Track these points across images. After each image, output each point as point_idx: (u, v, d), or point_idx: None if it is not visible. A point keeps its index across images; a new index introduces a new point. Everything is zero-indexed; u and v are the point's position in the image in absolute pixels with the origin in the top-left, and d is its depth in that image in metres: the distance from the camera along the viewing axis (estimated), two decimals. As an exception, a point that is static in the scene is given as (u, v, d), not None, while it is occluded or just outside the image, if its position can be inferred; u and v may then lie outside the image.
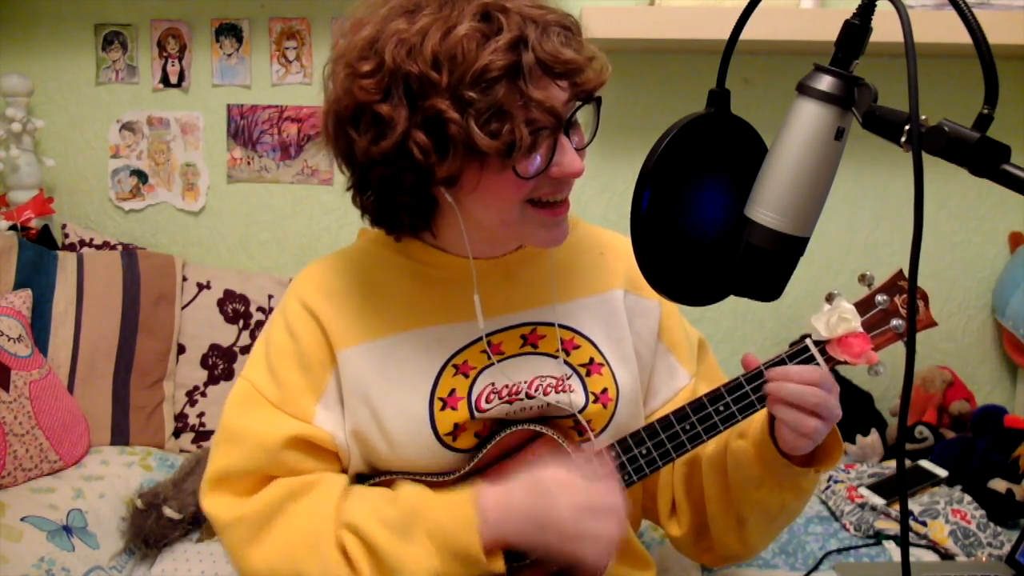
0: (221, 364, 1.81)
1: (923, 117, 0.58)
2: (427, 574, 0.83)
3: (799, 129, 0.66)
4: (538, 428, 0.93)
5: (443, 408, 0.92)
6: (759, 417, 0.93)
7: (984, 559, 1.38)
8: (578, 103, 0.83)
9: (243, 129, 1.94)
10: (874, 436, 1.77)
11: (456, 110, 0.77)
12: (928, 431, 1.77)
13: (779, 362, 0.91)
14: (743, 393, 0.89)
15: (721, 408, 0.90)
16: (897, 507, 1.50)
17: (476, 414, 0.92)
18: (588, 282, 1.01)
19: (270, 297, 1.85)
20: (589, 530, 0.81)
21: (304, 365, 0.93)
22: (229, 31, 1.91)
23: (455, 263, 0.95)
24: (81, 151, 1.97)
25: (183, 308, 1.82)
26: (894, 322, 0.91)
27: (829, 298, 0.91)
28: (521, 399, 0.94)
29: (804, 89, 0.66)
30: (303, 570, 0.85)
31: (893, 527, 1.46)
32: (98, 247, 1.87)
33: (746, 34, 0.70)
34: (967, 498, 1.50)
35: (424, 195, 0.88)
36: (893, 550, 1.42)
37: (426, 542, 0.83)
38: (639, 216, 0.73)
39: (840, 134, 0.66)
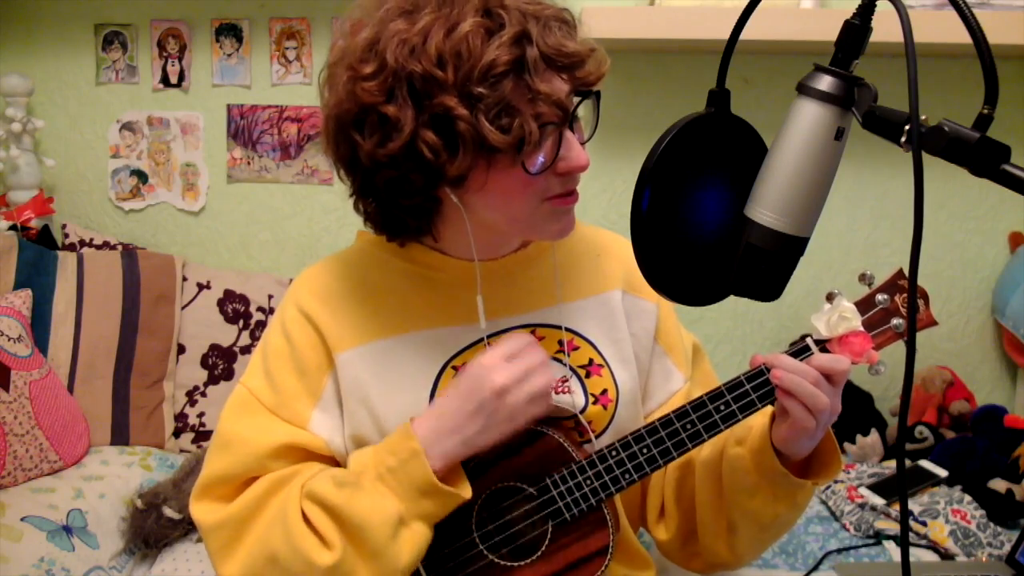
0: (221, 364, 1.81)
1: (923, 117, 0.58)
2: (390, 518, 0.82)
3: (799, 129, 0.66)
4: (538, 427, 0.93)
5: None
6: (759, 425, 0.92)
7: (984, 559, 1.38)
8: (579, 98, 0.84)
9: (243, 129, 1.94)
10: (874, 436, 1.77)
11: (465, 107, 0.77)
12: (928, 431, 1.77)
13: None
14: (744, 392, 0.89)
15: (722, 407, 0.89)
16: (897, 507, 1.50)
17: None
18: (587, 283, 1.01)
19: (270, 297, 1.85)
20: (523, 397, 0.83)
21: (301, 369, 0.93)
22: (229, 31, 1.91)
23: (455, 265, 0.95)
24: (81, 151, 1.97)
25: (183, 308, 1.82)
26: (894, 321, 0.91)
27: (829, 297, 0.91)
28: None
29: (804, 89, 0.66)
30: (275, 551, 0.85)
31: (893, 527, 1.46)
32: (98, 247, 1.87)
33: (746, 34, 0.70)
34: (967, 498, 1.51)
35: (430, 197, 0.87)
36: (893, 550, 1.42)
37: (378, 486, 0.83)
38: (639, 216, 0.73)
39: (840, 134, 0.66)
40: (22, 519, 1.32)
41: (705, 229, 0.75)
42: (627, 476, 0.91)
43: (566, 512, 0.91)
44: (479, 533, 0.91)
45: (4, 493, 1.41)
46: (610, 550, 0.91)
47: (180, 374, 1.80)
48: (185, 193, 1.97)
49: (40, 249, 1.74)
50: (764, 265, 0.70)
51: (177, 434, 1.76)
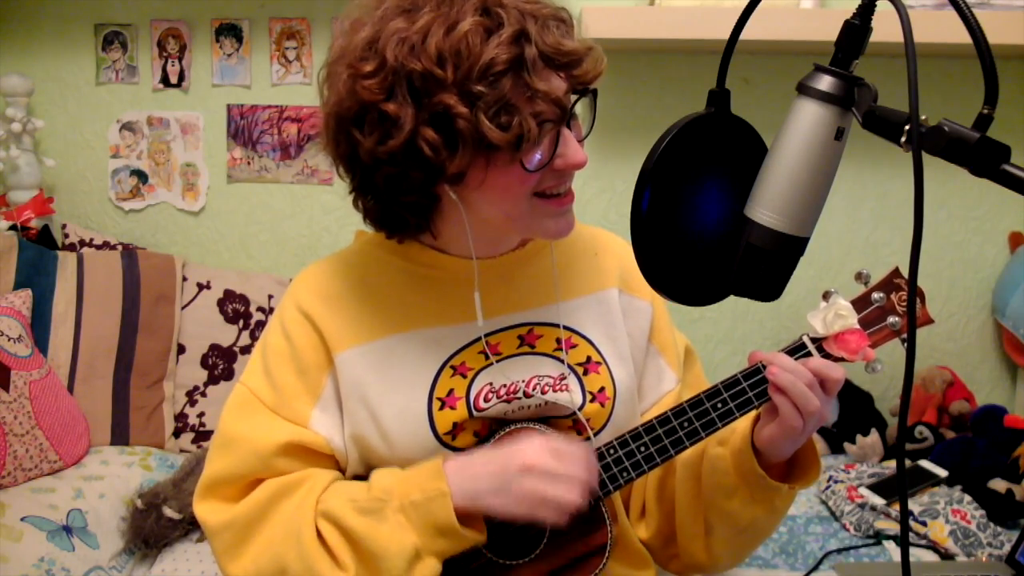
0: (221, 364, 1.81)
1: (923, 117, 0.58)
2: (406, 551, 0.83)
3: (799, 129, 0.66)
4: (536, 426, 0.93)
5: (442, 408, 0.92)
6: (741, 427, 0.92)
7: (984, 559, 1.38)
8: (576, 95, 0.84)
9: (243, 129, 1.94)
10: (874, 436, 1.77)
11: (465, 104, 0.77)
12: (928, 431, 1.77)
13: None
14: (741, 390, 0.89)
15: (719, 405, 0.89)
16: (897, 507, 1.50)
17: (474, 413, 0.92)
18: (584, 281, 1.02)
19: (270, 297, 1.85)
20: (541, 490, 0.82)
21: (300, 369, 0.93)
22: (229, 31, 1.91)
23: (453, 264, 0.96)
24: (81, 151, 1.97)
25: (183, 308, 1.82)
26: (891, 319, 0.91)
27: (826, 295, 0.91)
28: (519, 398, 0.94)
29: (804, 89, 0.66)
30: (286, 566, 0.86)
31: (893, 527, 1.46)
32: (98, 247, 1.87)
33: (746, 34, 0.70)
34: (967, 498, 1.51)
35: (429, 194, 0.88)
36: (893, 550, 1.42)
37: (400, 518, 0.84)
38: (639, 216, 0.73)
39: (840, 134, 0.66)
40: (22, 519, 1.32)
41: (705, 229, 0.75)
42: (625, 474, 0.91)
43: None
44: None
45: (4, 493, 1.41)
46: (608, 548, 0.91)
47: (180, 374, 1.80)
48: (185, 193, 1.97)
49: (40, 249, 1.74)
50: (764, 265, 0.70)
51: (177, 434, 1.76)
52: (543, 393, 0.94)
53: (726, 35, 0.70)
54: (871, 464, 1.72)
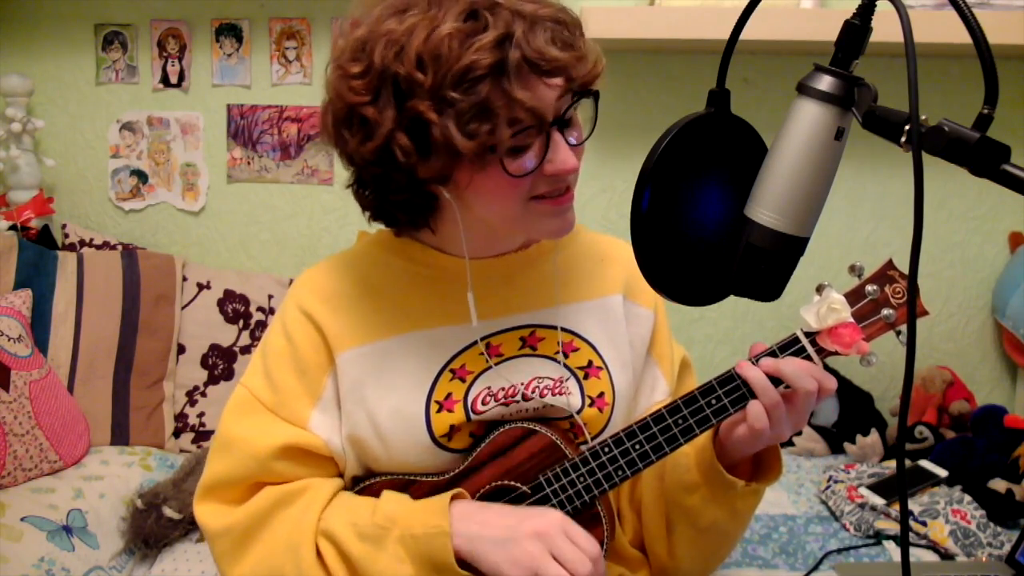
0: (221, 364, 1.81)
1: (923, 117, 0.58)
2: None
3: (799, 129, 0.66)
4: (531, 426, 0.93)
5: (439, 411, 0.92)
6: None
7: (984, 559, 1.38)
8: (574, 98, 0.83)
9: (243, 129, 1.94)
10: (874, 436, 1.77)
11: (435, 111, 0.76)
12: (928, 431, 1.77)
13: (770, 353, 0.91)
14: (735, 386, 0.89)
15: (712, 402, 0.89)
16: (897, 507, 1.50)
17: (472, 416, 0.92)
18: (588, 286, 1.01)
19: (270, 297, 1.85)
20: (539, 560, 0.81)
21: (300, 369, 0.93)
22: (229, 31, 1.91)
23: (454, 264, 0.95)
24: (81, 151, 1.97)
25: (183, 308, 1.82)
26: (884, 312, 0.91)
27: (819, 289, 0.91)
28: (518, 401, 0.94)
29: (804, 89, 0.66)
30: None
31: (893, 527, 1.46)
32: (98, 247, 1.87)
33: (746, 34, 0.70)
34: (967, 498, 1.50)
35: (420, 193, 0.88)
36: (893, 550, 1.42)
37: (399, 549, 0.84)
38: (639, 216, 0.73)
39: (840, 134, 0.66)
40: (22, 519, 1.31)
41: (705, 229, 0.75)
42: (620, 472, 0.91)
43: (560, 510, 0.91)
44: None
45: (4, 493, 1.40)
46: (604, 547, 0.91)
47: (180, 374, 1.80)
48: (185, 193, 1.97)
49: (40, 249, 1.74)
50: (764, 265, 0.70)
51: (177, 434, 1.76)
52: (542, 396, 0.94)
53: (726, 35, 0.70)
54: (871, 464, 1.72)
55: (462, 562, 0.83)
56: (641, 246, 0.74)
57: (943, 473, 1.60)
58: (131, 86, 1.94)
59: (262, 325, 1.83)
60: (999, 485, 1.55)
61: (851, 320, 0.89)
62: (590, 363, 0.98)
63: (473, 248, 0.93)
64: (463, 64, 0.75)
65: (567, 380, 0.96)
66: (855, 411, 1.85)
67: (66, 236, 1.88)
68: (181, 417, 1.78)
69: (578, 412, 0.95)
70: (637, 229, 0.73)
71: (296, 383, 0.93)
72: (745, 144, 0.75)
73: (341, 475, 0.97)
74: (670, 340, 1.07)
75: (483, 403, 0.93)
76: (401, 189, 0.86)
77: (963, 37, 0.55)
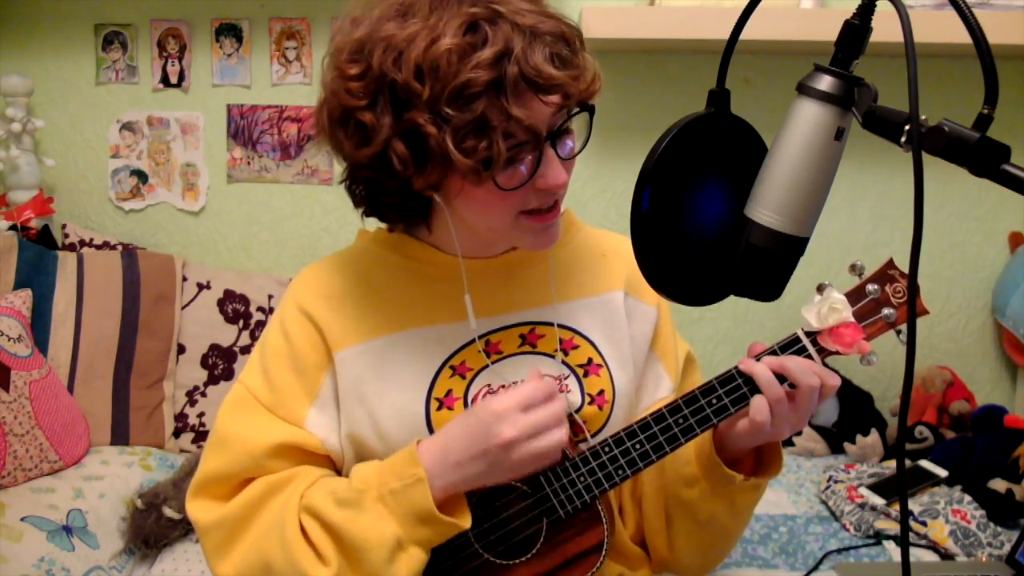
0: (221, 364, 1.81)
1: (923, 117, 0.58)
2: (388, 541, 0.82)
3: (799, 129, 0.66)
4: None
5: (439, 408, 0.92)
6: None
7: (984, 559, 1.38)
8: (570, 111, 0.83)
9: (243, 129, 1.94)
10: (874, 436, 1.77)
11: (434, 124, 0.76)
12: (928, 431, 1.77)
13: (771, 352, 0.91)
14: (736, 385, 0.89)
15: (713, 401, 0.89)
16: (897, 507, 1.50)
17: None
18: (589, 283, 1.01)
19: (270, 297, 1.85)
20: (530, 453, 0.82)
21: (298, 368, 0.93)
22: (229, 31, 1.91)
23: (452, 262, 0.95)
24: (81, 151, 1.97)
25: (183, 308, 1.82)
26: (885, 311, 0.91)
27: (820, 288, 0.91)
28: None
29: (804, 89, 0.66)
30: (271, 560, 0.85)
31: (893, 527, 1.46)
32: (98, 247, 1.87)
33: (746, 34, 0.70)
34: (967, 498, 1.50)
35: (412, 196, 0.88)
36: (893, 550, 1.42)
37: (379, 508, 0.83)
38: (639, 216, 0.73)
39: (840, 134, 0.66)
40: (22, 519, 1.31)
41: (705, 229, 0.75)
42: (620, 472, 0.91)
43: (560, 509, 0.91)
44: (474, 532, 0.91)
45: (4, 493, 1.40)
46: (605, 546, 0.91)
47: (180, 374, 1.80)
48: (185, 193, 1.97)
49: (40, 249, 1.74)
50: (764, 265, 0.70)
51: (177, 434, 1.76)
52: None
53: (726, 35, 0.70)
54: (871, 464, 1.72)
55: (444, 506, 0.83)
56: (641, 246, 0.74)
57: (943, 473, 1.60)
58: (131, 86, 1.94)
59: (262, 325, 1.83)
60: (999, 485, 1.55)
61: (852, 320, 0.89)
62: (590, 361, 0.98)
63: (469, 248, 0.93)
64: (460, 80, 0.75)
65: (567, 378, 0.96)
66: (855, 411, 1.85)
67: (66, 236, 1.88)
68: (181, 417, 1.78)
69: (578, 410, 0.95)
70: (637, 229, 0.74)
71: (294, 382, 0.93)
72: (745, 144, 0.75)
73: (339, 472, 0.97)
74: (674, 336, 1.07)
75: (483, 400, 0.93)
76: (393, 193, 0.87)
77: (963, 37, 0.55)
